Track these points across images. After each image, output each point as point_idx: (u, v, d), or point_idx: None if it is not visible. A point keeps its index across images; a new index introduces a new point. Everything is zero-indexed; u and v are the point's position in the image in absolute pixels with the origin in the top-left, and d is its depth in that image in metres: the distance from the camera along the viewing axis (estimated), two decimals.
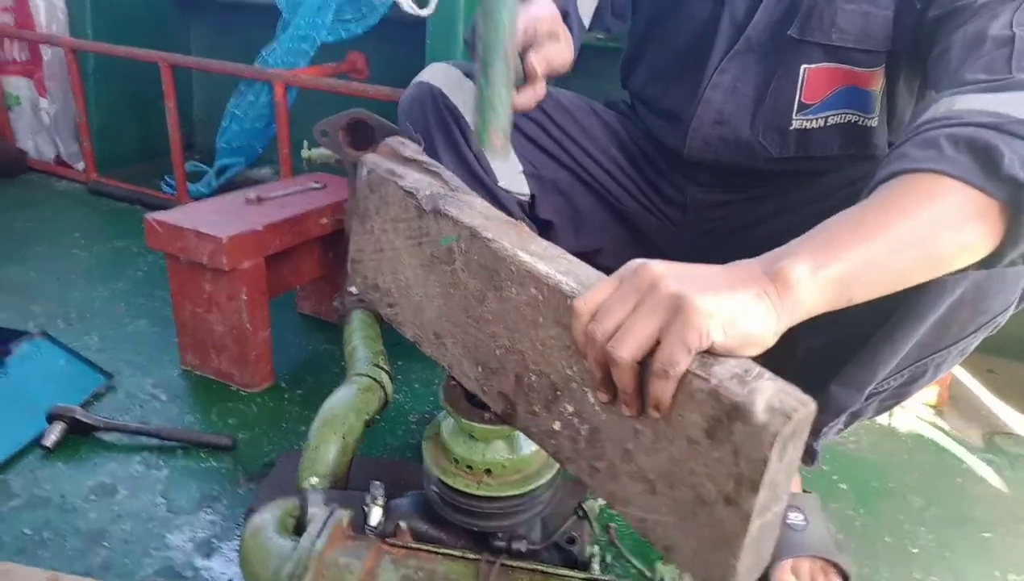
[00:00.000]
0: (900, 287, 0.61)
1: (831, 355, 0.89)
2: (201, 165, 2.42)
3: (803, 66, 0.96)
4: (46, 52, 2.46)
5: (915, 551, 1.12)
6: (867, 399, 0.90)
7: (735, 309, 0.52)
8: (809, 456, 0.96)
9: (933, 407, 1.51)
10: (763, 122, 1.00)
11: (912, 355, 0.84)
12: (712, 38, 1.00)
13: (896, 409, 1.49)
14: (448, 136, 1.05)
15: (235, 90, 2.18)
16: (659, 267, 0.54)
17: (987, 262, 0.63)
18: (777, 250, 0.58)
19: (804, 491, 1.09)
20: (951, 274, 0.64)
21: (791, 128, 0.99)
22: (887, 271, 0.59)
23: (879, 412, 0.94)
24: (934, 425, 1.46)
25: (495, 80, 0.74)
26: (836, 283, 0.56)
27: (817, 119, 0.99)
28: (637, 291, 0.54)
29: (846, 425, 0.95)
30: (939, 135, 0.62)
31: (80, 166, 2.54)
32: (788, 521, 1.03)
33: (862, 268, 0.57)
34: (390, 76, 1.98)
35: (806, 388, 0.97)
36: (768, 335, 0.54)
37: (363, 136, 1.27)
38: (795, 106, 0.98)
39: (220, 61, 2.14)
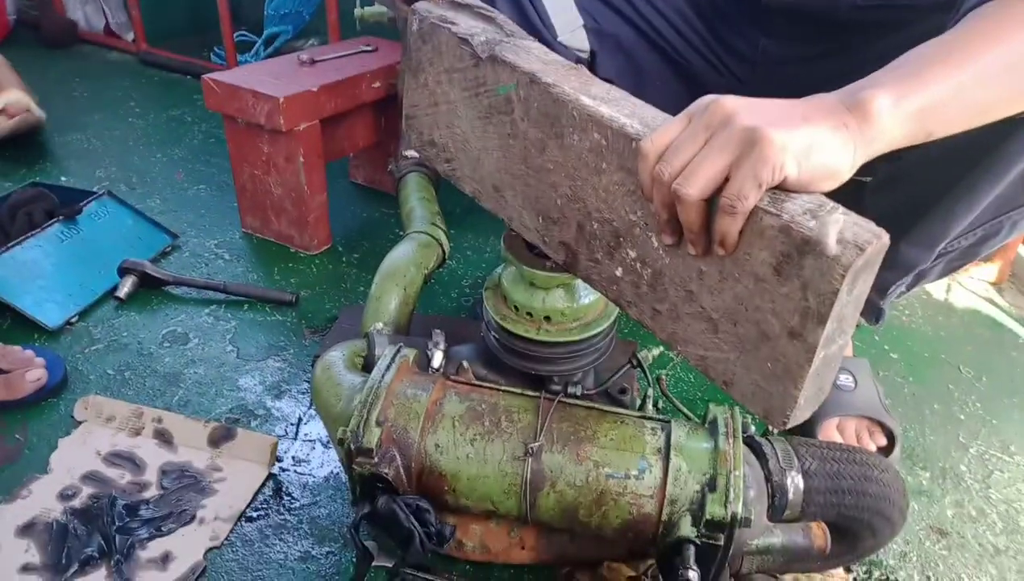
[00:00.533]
0: (985, 121, 0.58)
1: (903, 212, 0.87)
2: (249, 35, 2.39)
3: None
4: None
5: (962, 417, 1.13)
6: (936, 258, 0.89)
7: (811, 141, 0.51)
8: (875, 314, 0.96)
9: (993, 284, 1.49)
10: None
11: (989, 211, 0.81)
12: None
13: (953, 285, 1.47)
14: None
15: None
16: (732, 101, 0.53)
17: None
18: (858, 81, 0.56)
19: (855, 356, 1.10)
20: None
21: None
22: (973, 104, 0.56)
23: (945, 274, 0.93)
24: (992, 301, 1.44)
25: None
26: (918, 115, 0.54)
27: None
28: (708, 128, 0.53)
29: (910, 287, 0.94)
30: None
31: (129, 37, 2.53)
32: (838, 382, 1.04)
33: (947, 100, 0.55)
34: None
35: None
36: (845, 168, 0.53)
37: None
38: None
39: None
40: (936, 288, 1.47)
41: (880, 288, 0.94)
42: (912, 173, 0.87)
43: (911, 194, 0.86)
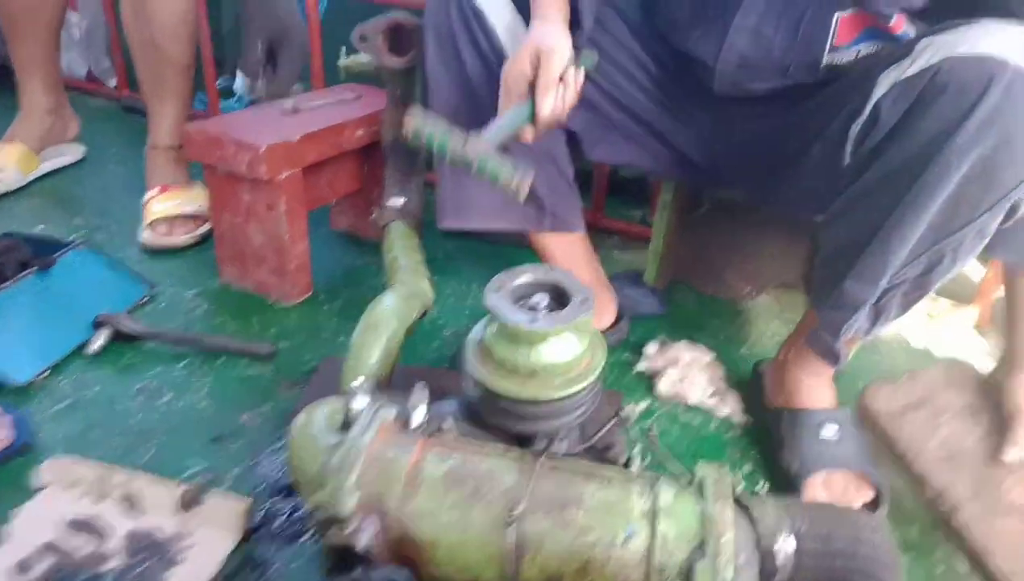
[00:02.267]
0: None
1: (845, 249, 0.89)
2: (233, 81, 2.39)
3: (836, 14, 0.93)
4: None
5: None
6: (886, 293, 0.90)
7: None
8: (832, 356, 0.96)
9: (975, 328, 1.49)
10: (791, 62, 0.98)
11: (926, 240, 0.83)
12: None
13: (935, 329, 1.48)
14: (470, 37, 1.03)
15: None
16: None
17: None
18: None
19: (839, 405, 1.08)
20: (950, 150, 0.73)
21: (821, 64, 0.97)
22: None
23: (905, 308, 0.93)
24: (975, 346, 1.44)
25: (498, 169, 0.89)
26: None
27: (848, 55, 0.97)
28: None
29: (872, 324, 0.94)
30: None
31: (112, 83, 2.53)
32: (822, 435, 1.03)
33: None
34: None
35: (823, 286, 0.99)
36: None
37: (402, 42, 1.24)
38: (826, 48, 0.96)
39: None
40: (916, 334, 1.47)
41: (831, 328, 0.94)
42: (850, 209, 0.90)
43: (850, 231, 0.89)
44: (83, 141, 2.12)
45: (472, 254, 1.65)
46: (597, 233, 1.74)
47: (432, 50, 1.08)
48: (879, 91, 0.84)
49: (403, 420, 0.79)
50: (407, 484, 0.68)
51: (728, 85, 1.03)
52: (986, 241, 0.85)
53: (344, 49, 1.35)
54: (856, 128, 0.88)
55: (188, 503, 0.90)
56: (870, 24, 0.93)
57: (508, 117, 0.92)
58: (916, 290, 0.90)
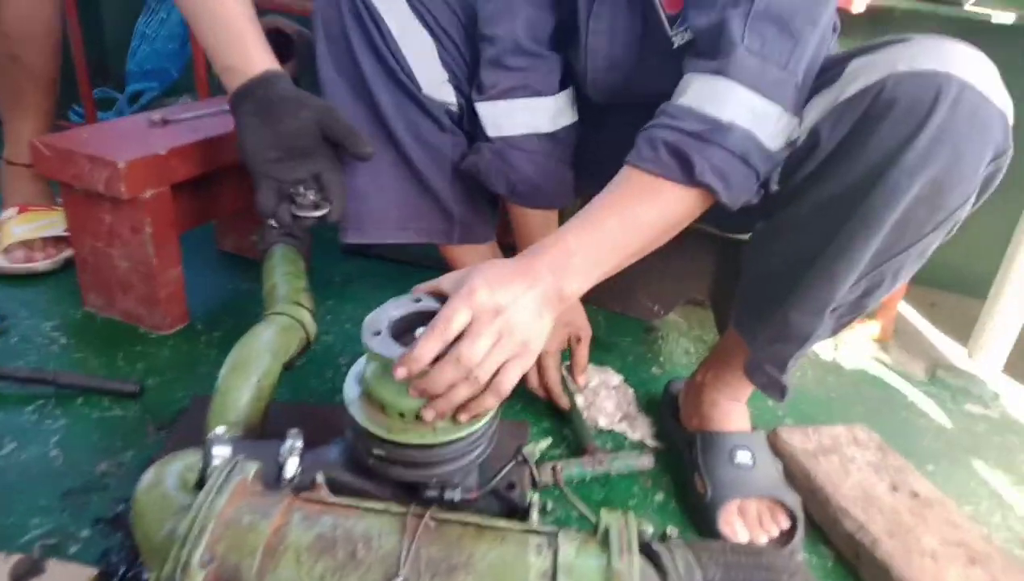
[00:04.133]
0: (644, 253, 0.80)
1: (784, 279, 0.84)
2: (112, 92, 2.22)
3: None
4: None
5: None
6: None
7: None
8: (779, 391, 0.91)
9: (877, 341, 1.50)
10: (649, 52, 0.95)
11: (869, 264, 0.78)
12: None
13: (840, 344, 1.47)
14: (366, 37, 0.96)
15: (144, 7, 1.98)
16: None
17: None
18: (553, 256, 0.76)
19: (754, 430, 1.05)
20: (899, 171, 0.70)
21: (673, 47, 0.92)
22: (630, 248, 0.78)
23: (836, 331, 0.89)
24: (878, 360, 1.45)
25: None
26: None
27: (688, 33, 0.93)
28: None
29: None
30: (658, 138, 0.75)
31: None
32: (736, 460, 0.99)
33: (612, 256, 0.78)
34: None
35: (757, 315, 0.93)
36: None
37: (281, 47, 1.15)
38: (665, 21, 0.91)
39: None
40: (823, 348, 1.47)
41: (779, 363, 0.89)
42: (784, 235, 0.85)
43: (786, 258, 0.84)
44: None
45: (372, 275, 1.55)
46: (502, 250, 1.68)
47: (323, 51, 0.99)
48: (811, 116, 0.78)
49: (272, 474, 0.69)
50: (266, 555, 0.58)
51: (604, 92, 1.01)
52: (925, 260, 0.81)
53: None
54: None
55: (21, 576, 0.77)
56: None
57: (580, 421, 1.10)
58: (851, 313, 0.86)
